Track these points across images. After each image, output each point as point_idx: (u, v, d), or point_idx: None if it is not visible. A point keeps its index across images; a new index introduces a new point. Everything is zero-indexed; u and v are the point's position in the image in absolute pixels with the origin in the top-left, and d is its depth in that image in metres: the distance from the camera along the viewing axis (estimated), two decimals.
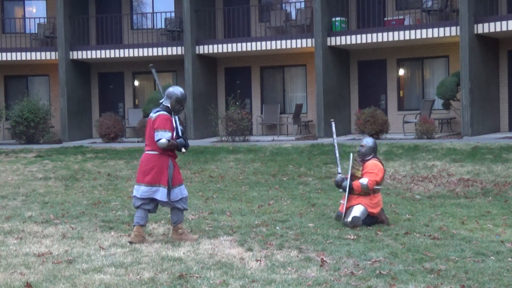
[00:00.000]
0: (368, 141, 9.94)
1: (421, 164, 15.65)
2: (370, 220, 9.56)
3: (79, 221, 10.24)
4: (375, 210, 9.59)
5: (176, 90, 8.65)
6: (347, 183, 9.70)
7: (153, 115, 8.61)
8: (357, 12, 22.72)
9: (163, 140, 8.43)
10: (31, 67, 25.78)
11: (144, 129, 23.25)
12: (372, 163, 9.74)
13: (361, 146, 9.91)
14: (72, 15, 24.16)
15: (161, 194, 8.54)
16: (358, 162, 9.89)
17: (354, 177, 9.75)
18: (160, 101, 8.74)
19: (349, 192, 9.69)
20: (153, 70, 9.24)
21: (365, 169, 9.73)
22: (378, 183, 9.69)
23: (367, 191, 9.60)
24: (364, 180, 9.58)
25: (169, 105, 8.63)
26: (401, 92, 22.63)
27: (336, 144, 10.28)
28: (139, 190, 8.61)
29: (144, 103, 23.34)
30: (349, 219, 9.46)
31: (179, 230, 8.70)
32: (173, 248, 8.18)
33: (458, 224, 9.71)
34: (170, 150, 8.62)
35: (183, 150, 8.68)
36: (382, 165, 9.90)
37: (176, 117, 8.75)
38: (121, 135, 23.04)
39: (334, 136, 10.34)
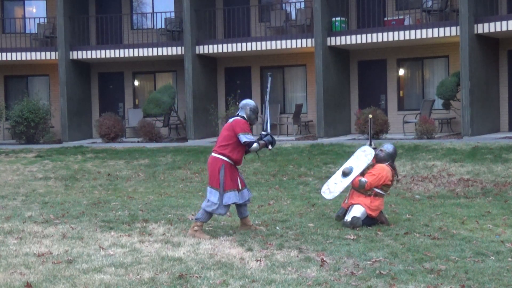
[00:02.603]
0: (388, 147, 9.94)
1: (421, 164, 15.65)
2: (370, 221, 9.56)
3: (79, 221, 10.23)
4: (373, 213, 9.57)
5: (249, 101, 9.34)
6: (351, 168, 9.73)
7: (230, 119, 9.18)
8: (357, 12, 22.72)
9: (255, 145, 9.03)
10: (31, 67, 25.78)
11: (145, 129, 23.40)
12: (381, 167, 9.71)
13: (381, 150, 9.92)
14: (72, 15, 24.15)
15: (210, 194, 9.01)
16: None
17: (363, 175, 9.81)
18: (237, 113, 9.26)
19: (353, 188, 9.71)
20: (270, 79, 9.83)
21: (372, 169, 9.73)
22: (379, 188, 9.65)
23: (365, 191, 9.59)
24: (364, 179, 9.59)
25: (244, 115, 9.19)
26: (401, 92, 22.63)
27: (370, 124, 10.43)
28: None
29: (144, 103, 23.33)
30: (349, 219, 9.46)
31: (195, 228, 9.00)
32: (173, 248, 8.19)
33: (458, 224, 9.71)
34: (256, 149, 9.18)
35: (270, 147, 9.23)
36: (395, 174, 9.85)
37: (267, 114, 9.40)
38: (121, 135, 23.04)
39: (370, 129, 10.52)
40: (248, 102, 9.28)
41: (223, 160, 8.97)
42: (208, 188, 9.08)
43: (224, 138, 9.04)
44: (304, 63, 23.47)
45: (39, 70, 25.87)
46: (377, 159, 9.89)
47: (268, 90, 9.71)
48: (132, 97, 25.67)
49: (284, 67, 23.94)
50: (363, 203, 9.55)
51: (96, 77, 25.72)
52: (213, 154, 9.09)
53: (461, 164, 15.26)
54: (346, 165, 9.99)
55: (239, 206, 9.25)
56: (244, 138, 8.94)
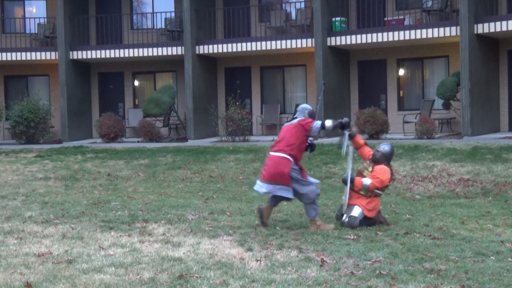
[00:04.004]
0: (384, 147, 9.87)
1: (421, 164, 15.65)
2: (369, 221, 9.55)
3: (79, 221, 10.23)
4: (369, 214, 9.55)
5: (307, 105, 9.75)
6: (347, 176, 9.67)
7: (293, 121, 9.45)
8: (357, 12, 22.72)
9: (329, 123, 9.34)
10: (31, 67, 25.78)
11: (145, 129, 23.31)
12: (382, 168, 9.68)
13: (377, 151, 9.85)
14: (72, 15, 24.16)
15: (284, 191, 9.27)
16: (369, 163, 9.87)
17: (360, 175, 9.76)
18: (294, 116, 9.56)
19: (350, 188, 9.63)
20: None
21: (373, 171, 9.71)
22: (379, 189, 9.64)
23: (366, 193, 9.58)
24: (367, 180, 9.54)
25: (302, 118, 9.46)
26: (401, 92, 22.63)
27: (347, 151, 9.95)
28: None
29: (144, 103, 23.34)
30: (346, 218, 9.46)
31: (317, 223, 9.32)
32: (173, 248, 8.18)
33: (458, 224, 9.71)
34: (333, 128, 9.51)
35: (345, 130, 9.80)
36: (392, 173, 9.85)
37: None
38: (121, 135, 23.05)
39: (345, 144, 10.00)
40: (306, 106, 9.64)
41: (291, 161, 9.18)
42: (278, 186, 9.23)
43: (292, 137, 9.24)
44: (304, 63, 23.47)
45: (39, 70, 25.88)
46: (374, 160, 9.85)
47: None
48: (132, 97, 25.68)
49: (284, 67, 23.94)
50: (360, 204, 9.54)
51: (96, 77, 25.73)
52: (280, 153, 9.22)
53: (461, 164, 15.26)
54: (344, 175, 9.99)
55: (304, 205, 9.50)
56: (317, 124, 9.21)
